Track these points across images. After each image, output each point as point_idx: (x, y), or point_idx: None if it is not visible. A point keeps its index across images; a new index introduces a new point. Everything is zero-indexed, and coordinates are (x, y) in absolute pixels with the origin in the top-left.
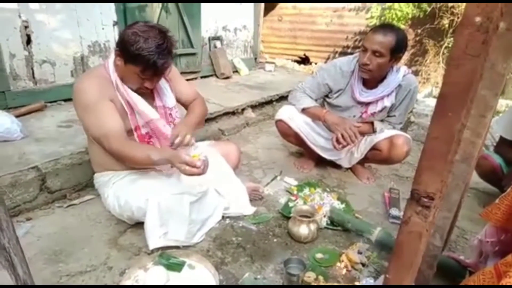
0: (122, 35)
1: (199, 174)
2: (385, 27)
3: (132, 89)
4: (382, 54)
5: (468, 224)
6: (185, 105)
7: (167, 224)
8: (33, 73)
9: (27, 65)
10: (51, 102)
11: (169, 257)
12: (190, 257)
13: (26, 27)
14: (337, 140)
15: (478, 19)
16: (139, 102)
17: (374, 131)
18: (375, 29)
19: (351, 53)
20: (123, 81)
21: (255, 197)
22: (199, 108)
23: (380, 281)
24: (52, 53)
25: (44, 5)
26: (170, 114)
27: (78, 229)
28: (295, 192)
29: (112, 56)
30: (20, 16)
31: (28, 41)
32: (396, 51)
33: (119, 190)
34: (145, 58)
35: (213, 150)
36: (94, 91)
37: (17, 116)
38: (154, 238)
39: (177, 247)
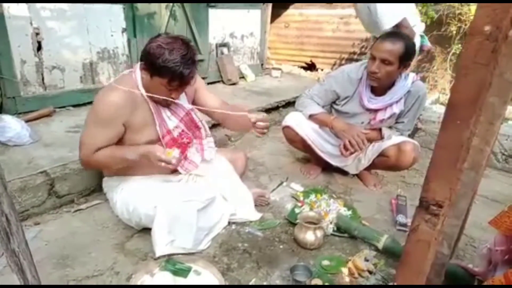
0: (146, 49)
1: (172, 167)
2: (393, 35)
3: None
4: (391, 62)
5: (476, 232)
6: (213, 117)
7: (174, 232)
8: (43, 79)
9: (37, 71)
10: (59, 107)
11: (175, 262)
12: (196, 263)
13: (37, 34)
14: (345, 147)
15: (487, 28)
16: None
17: (382, 138)
18: (383, 37)
19: (357, 60)
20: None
21: (261, 203)
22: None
23: None
24: (62, 59)
25: (55, 12)
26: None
27: (86, 234)
28: (301, 198)
29: (138, 67)
30: (31, 24)
31: (39, 47)
32: (405, 59)
33: (128, 196)
34: (171, 69)
35: (220, 157)
36: (111, 111)
37: (26, 121)
38: (161, 246)
39: (183, 253)
